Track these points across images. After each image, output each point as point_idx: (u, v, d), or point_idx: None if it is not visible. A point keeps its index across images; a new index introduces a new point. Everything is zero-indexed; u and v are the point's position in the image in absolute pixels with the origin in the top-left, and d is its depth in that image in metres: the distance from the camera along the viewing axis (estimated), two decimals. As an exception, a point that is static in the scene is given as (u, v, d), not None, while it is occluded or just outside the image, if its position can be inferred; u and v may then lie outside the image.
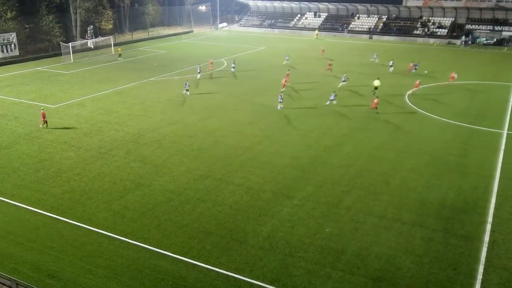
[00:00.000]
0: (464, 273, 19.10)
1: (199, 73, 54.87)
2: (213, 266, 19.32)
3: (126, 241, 21.07)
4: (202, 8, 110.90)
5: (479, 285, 18.36)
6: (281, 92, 42.37)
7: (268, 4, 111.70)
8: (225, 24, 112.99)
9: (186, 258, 19.87)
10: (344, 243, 21.14)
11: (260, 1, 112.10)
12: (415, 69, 58.15)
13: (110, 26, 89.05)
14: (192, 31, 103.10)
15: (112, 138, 34.17)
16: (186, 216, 23.30)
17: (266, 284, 18.29)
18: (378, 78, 48.78)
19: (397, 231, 22.10)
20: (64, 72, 58.57)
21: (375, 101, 41.55)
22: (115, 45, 76.79)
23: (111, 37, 78.28)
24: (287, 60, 63.81)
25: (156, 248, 20.55)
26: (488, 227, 22.60)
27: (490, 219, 23.35)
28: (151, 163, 29.84)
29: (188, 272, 18.96)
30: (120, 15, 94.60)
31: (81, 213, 23.40)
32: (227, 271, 19.05)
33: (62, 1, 77.27)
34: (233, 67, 58.88)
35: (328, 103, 42.56)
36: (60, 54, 69.18)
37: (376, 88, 47.85)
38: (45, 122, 36.15)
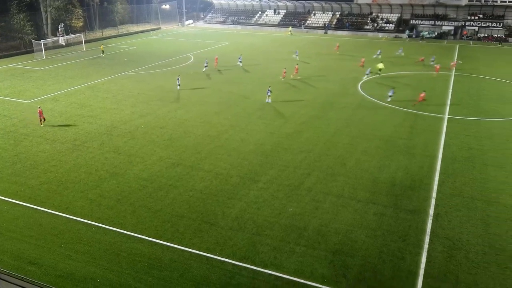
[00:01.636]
0: (412, 244, 19.77)
1: (206, 66, 54.32)
2: (186, 247, 19.28)
3: (103, 227, 20.71)
4: (168, 6, 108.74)
5: (426, 254, 19.07)
6: (269, 87, 41.60)
7: (230, 2, 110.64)
8: (191, 21, 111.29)
9: (161, 240, 19.75)
10: (306, 221, 21.47)
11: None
12: (432, 61, 59.35)
13: (81, 24, 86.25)
14: (159, 28, 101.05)
15: (86, 130, 33.30)
16: (159, 201, 23.09)
17: (236, 261, 18.41)
18: (381, 62, 52.47)
19: (353, 208, 22.61)
20: (37, 68, 56.38)
21: (422, 95, 40.73)
22: (85, 42, 74.53)
23: (81, 34, 75.84)
24: (296, 55, 63.14)
25: (132, 232, 20.31)
26: (433, 201, 23.41)
27: (434, 194, 24.18)
28: (124, 153, 29.31)
29: (163, 254, 18.86)
30: (90, 13, 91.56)
31: (59, 203, 22.81)
32: (199, 251, 19.06)
33: (33, 0, 74.12)
34: (240, 61, 57.90)
35: (389, 99, 41.65)
36: (32, 52, 66.50)
37: (380, 69, 51.22)
38: (42, 119, 34.05)
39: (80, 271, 17.68)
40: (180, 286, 17.00)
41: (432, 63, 59.34)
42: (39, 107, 35.12)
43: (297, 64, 53.27)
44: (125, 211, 22.17)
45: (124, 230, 20.51)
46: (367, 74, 51.28)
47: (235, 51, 69.49)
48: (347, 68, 56.77)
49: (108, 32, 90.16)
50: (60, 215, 21.68)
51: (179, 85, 45.60)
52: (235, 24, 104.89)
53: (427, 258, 18.78)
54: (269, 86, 41.73)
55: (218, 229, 20.73)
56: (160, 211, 22.16)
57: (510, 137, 32.73)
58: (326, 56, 66.03)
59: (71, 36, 74.26)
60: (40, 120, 34.22)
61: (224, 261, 18.45)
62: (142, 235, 20.14)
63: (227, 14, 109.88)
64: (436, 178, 26.14)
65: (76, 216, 21.57)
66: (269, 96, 40.82)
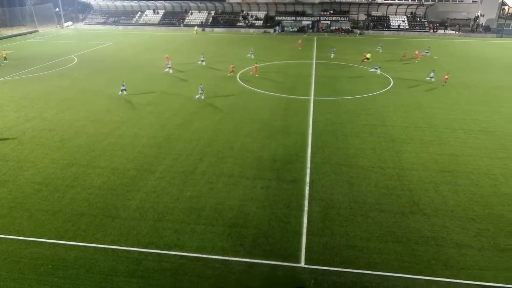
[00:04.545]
0: (295, 208, 21.01)
1: (169, 67, 49.80)
2: (90, 243, 18.07)
3: (-3, 237, 18.42)
4: (45, 7, 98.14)
5: (306, 215, 20.43)
6: (201, 85, 39.68)
7: (109, 3, 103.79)
8: (70, 23, 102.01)
9: (63, 241, 18.20)
10: (203, 202, 21.51)
11: (101, 0, 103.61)
12: (426, 53, 59.76)
13: None
14: (37, 31, 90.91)
15: (-35, 140, 28.98)
16: (57, 203, 21.17)
17: (141, 248, 17.80)
18: (369, 52, 56.29)
19: (243, 185, 23.20)
20: None
21: (446, 76, 43.12)
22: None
23: None
24: (250, 53, 59.69)
25: (31, 237, 18.38)
26: (308, 171, 25.03)
27: (308, 164, 25.86)
28: (12, 159, 26.16)
29: (67, 253, 17.43)
30: (-46, 17, 78.92)
31: None
32: (104, 244, 18.01)
33: None
34: (202, 60, 54.05)
35: (432, 80, 45.14)
36: None
37: (367, 58, 55.25)
38: None
39: (-24, 285, 15.57)
40: (87, 280, 15.93)
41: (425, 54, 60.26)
42: None
43: (256, 63, 51.11)
44: (20, 217, 19.93)
45: (22, 236, 18.47)
46: (375, 69, 50.45)
47: (119, 50, 65.78)
48: (228, 62, 57.36)
49: (-22, 36, 78.75)
50: None
51: (124, 89, 39.92)
52: (116, 25, 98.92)
53: (308, 218, 20.12)
54: (201, 84, 40.25)
55: (121, 221, 19.77)
56: (59, 212, 20.35)
57: (362, 111, 36.25)
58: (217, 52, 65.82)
59: None
60: None
61: (129, 250, 17.70)
62: (42, 238, 18.34)
63: (107, 15, 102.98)
64: (309, 150, 27.92)
65: (-36, 230, 18.83)
66: (201, 93, 38.95)
